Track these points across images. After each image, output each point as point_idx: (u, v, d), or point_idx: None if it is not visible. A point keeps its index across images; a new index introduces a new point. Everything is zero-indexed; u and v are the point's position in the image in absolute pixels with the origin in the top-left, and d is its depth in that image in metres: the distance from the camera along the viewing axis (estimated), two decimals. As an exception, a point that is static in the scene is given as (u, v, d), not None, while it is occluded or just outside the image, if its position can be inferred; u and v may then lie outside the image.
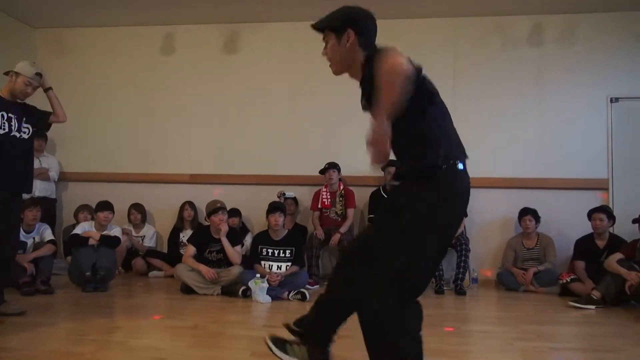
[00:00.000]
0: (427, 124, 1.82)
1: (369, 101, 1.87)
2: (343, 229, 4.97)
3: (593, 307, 3.95)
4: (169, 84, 5.93)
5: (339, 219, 5.11)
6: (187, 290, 4.23)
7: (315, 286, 4.68)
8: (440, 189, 1.78)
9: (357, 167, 5.44)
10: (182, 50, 5.95)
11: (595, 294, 4.00)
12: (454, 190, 1.82)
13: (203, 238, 4.49)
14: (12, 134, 3.28)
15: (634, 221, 4.18)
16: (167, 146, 5.87)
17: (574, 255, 4.68)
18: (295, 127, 5.69)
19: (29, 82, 3.33)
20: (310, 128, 5.65)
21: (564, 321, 3.66)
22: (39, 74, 3.38)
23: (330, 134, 5.62)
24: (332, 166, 5.18)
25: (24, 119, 3.37)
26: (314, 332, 2.04)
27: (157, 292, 4.45)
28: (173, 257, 5.20)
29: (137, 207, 5.57)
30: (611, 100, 5.27)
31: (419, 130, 1.82)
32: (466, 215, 5.06)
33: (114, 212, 4.71)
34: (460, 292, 4.60)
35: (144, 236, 5.52)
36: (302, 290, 4.11)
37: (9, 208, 3.29)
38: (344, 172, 5.27)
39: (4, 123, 3.25)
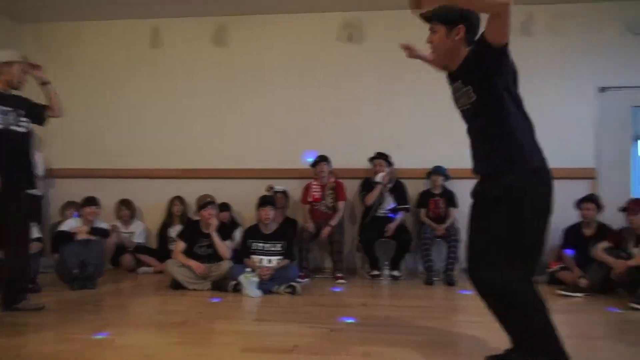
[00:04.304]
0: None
1: (464, 80, 2.09)
2: (333, 222, 4.97)
3: (580, 294, 3.99)
4: (158, 78, 5.87)
5: (330, 212, 5.11)
6: (177, 286, 4.21)
7: (305, 279, 4.68)
8: None
9: (347, 159, 5.44)
10: (171, 43, 5.89)
11: (583, 282, 4.05)
12: None
13: (193, 233, 4.46)
14: (10, 128, 3.24)
15: (622, 209, 4.21)
16: (157, 141, 5.81)
17: (563, 243, 4.72)
18: (286, 120, 5.66)
19: (23, 68, 3.32)
20: (300, 121, 5.63)
21: (552, 309, 3.64)
22: (25, 57, 3.37)
23: (320, 126, 5.60)
24: (323, 159, 5.17)
25: (22, 112, 3.33)
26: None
27: (147, 288, 4.42)
28: (162, 252, 5.17)
29: (125, 203, 5.53)
30: (599, 90, 5.30)
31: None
32: (457, 207, 5.09)
33: (100, 207, 4.67)
34: (450, 282, 4.62)
35: (133, 232, 5.48)
36: (292, 283, 4.11)
37: (14, 205, 3.27)
38: (334, 165, 5.26)
39: (0, 117, 3.20)
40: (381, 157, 5.15)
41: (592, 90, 5.31)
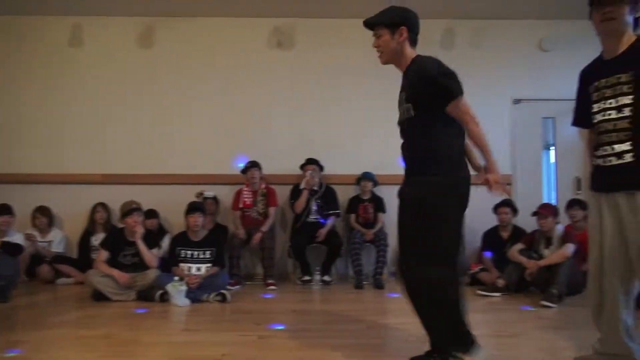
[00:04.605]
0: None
1: (407, 96, 2.22)
2: (264, 228, 4.95)
3: (498, 294, 4.25)
4: (79, 78, 5.59)
5: (261, 218, 5.08)
6: (98, 297, 4.01)
7: (236, 287, 4.63)
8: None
9: (279, 165, 5.45)
10: (92, 42, 5.63)
11: (500, 282, 4.31)
12: None
13: (117, 241, 4.28)
14: None
15: (533, 214, 4.53)
16: (77, 144, 5.53)
17: (482, 246, 5.00)
18: (216, 125, 5.58)
19: None
20: (231, 126, 5.58)
21: (473, 309, 3.82)
22: None
23: (251, 131, 5.57)
24: (254, 165, 5.14)
25: None
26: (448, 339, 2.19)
27: (66, 300, 4.18)
28: (84, 262, 4.90)
29: (41, 211, 5.19)
30: (514, 102, 5.69)
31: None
32: (385, 212, 5.24)
33: (13, 216, 4.35)
34: (379, 286, 4.75)
35: (51, 241, 5.15)
36: (222, 291, 4.04)
37: None
38: (265, 171, 5.25)
39: None
40: (312, 163, 5.21)
41: (507, 101, 5.69)
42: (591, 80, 2.15)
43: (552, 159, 5.87)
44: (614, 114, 2.00)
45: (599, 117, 2.08)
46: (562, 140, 5.68)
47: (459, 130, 2.23)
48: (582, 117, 2.27)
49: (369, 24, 2.30)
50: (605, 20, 2.00)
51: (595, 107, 2.09)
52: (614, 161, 1.98)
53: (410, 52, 2.28)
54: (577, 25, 5.51)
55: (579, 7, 5.29)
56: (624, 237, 2.05)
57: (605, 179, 2.10)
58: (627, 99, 1.97)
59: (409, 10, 2.28)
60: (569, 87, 6.02)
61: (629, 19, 2.01)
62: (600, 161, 2.12)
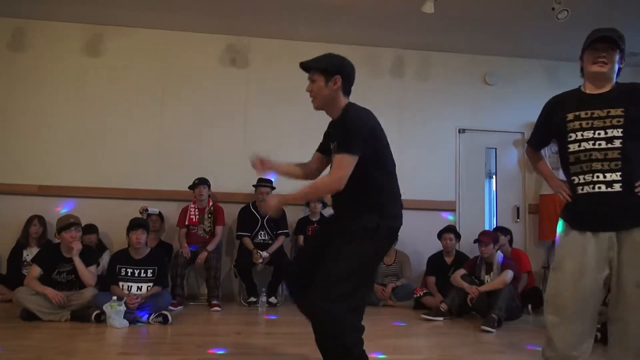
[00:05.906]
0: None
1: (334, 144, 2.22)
2: (211, 247, 4.84)
3: (441, 318, 4.33)
4: (17, 84, 5.31)
5: (207, 236, 4.97)
6: (28, 316, 3.75)
7: (178, 307, 4.47)
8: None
9: (227, 183, 5.37)
10: (35, 47, 5.38)
11: (443, 307, 4.40)
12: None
13: (51, 257, 4.04)
14: None
15: (475, 241, 4.68)
16: (12, 152, 5.22)
17: (427, 271, 5.11)
18: (163, 140, 5.45)
19: None
20: (180, 141, 5.46)
21: (417, 333, 3.95)
22: None
23: (200, 148, 5.47)
24: (202, 182, 5.04)
25: None
26: None
27: (-9, 320, 3.88)
28: (14, 278, 4.58)
29: (-32, 222, 4.84)
30: (459, 131, 5.92)
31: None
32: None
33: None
34: (325, 308, 4.72)
35: (-23, 255, 4.81)
36: (163, 312, 3.89)
37: None
38: (213, 188, 5.16)
39: None
40: (265, 182, 5.16)
41: (452, 130, 5.91)
42: (567, 109, 2.16)
43: (494, 188, 6.13)
44: (604, 144, 2.05)
45: (585, 145, 2.09)
46: (503, 170, 5.96)
47: (389, 173, 2.27)
48: (541, 140, 2.34)
49: (305, 67, 2.28)
50: (598, 64, 2.09)
51: (578, 135, 2.10)
52: (603, 188, 2.02)
53: (343, 101, 2.26)
54: (518, 63, 5.84)
55: (520, 47, 5.66)
56: (613, 276, 2.01)
57: (593, 215, 2.05)
58: (617, 132, 2.03)
59: (346, 60, 2.27)
60: (511, 120, 6.37)
61: (617, 66, 2.11)
62: (588, 188, 2.07)
